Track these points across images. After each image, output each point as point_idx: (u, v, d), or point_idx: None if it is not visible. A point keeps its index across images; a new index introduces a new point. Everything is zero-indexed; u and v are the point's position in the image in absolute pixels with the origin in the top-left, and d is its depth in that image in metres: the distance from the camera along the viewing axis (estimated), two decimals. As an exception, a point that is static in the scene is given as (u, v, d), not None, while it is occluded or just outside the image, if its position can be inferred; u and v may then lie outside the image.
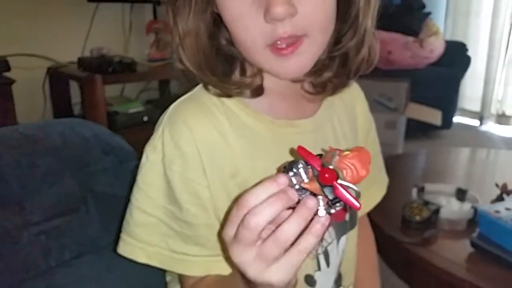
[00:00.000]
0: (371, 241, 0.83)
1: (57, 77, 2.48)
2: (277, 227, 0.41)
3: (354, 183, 0.42)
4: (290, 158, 0.61)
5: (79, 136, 0.72)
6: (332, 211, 0.42)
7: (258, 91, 0.58)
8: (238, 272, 0.45)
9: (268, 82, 0.59)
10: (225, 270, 0.57)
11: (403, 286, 1.12)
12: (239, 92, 0.57)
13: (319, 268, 0.64)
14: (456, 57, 3.52)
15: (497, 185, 1.27)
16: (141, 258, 0.59)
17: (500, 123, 3.89)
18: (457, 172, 1.76)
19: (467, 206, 1.23)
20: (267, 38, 0.51)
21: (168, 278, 0.70)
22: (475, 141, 3.47)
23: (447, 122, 3.41)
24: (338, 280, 0.68)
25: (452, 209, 1.23)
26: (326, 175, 0.41)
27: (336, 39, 0.59)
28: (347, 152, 0.43)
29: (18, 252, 0.61)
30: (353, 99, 0.72)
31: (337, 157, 0.42)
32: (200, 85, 0.60)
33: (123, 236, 0.60)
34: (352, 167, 0.42)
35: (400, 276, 1.13)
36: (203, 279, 0.59)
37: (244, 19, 0.51)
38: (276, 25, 0.49)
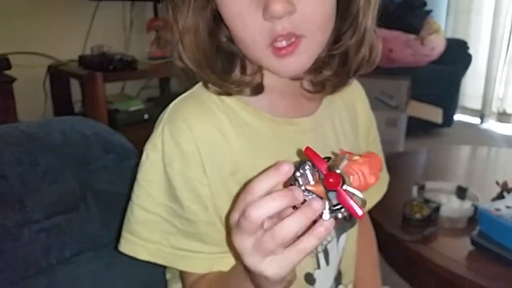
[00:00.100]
0: (371, 239, 0.83)
1: (57, 75, 2.48)
2: (276, 224, 0.41)
3: (361, 190, 0.41)
4: (290, 157, 0.61)
5: (80, 134, 0.72)
6: (336, 216, 0.41)
7: (258, 89, 0.58)
8: (239, 258, 0.45)
9: (268, 80, 0.59)
10: (228, 266, 0.57)
11: (404, 284, 1.12)
12: (238, 90, 0.57)
13: (318, 267, 0.64)
14: (457, 55, 3.51)
15: (497, 183, 1.27)
16: (143, 256, 0.59)
17: (501, 121, 3.88)
18: (458, 170, 1.76)
19: (467, 204, 1.23)
20: (266, 36, 0.51)
21: (168, 275, 0.70)
22: (476, 139, 3.47)
23: (448, 120, 3.41)
24: (338, 278, 0.68)
25: (452, 207, 1.23)
26: (331, 180, 0.40)
27: (336, 38, 0.59)
28: (357, 157, 0.42)
29: (18, 249, 0.61)
30: (353, 97, 0.72)
31: (346, 162, 0.41)
32: (200, 83, 0.60)
33: (124, 233, 0.61)
34: (360, 173, 0.41)
35: (401, 274, 1.13)
36: (204, 276, 0.60)
37: (243, 17, 0.51)
38: (275, 22, 0.49)
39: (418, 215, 1.14)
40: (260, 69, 0.58)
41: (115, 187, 0.72)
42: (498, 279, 0.95)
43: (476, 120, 3.97)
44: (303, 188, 0.41)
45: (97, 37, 2.59)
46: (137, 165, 0.60)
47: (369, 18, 0.57)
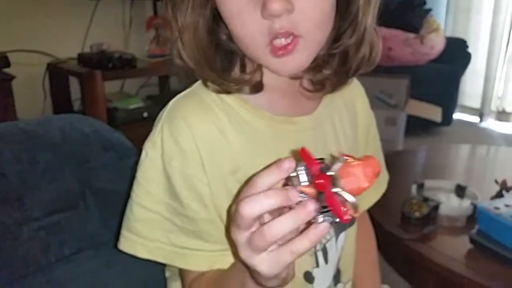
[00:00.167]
0: (371, 237, 0.83)
1: (57, 73, 2.47)
2: (267, 222, 0.41)
3: (353, 194, 0.40)
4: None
5: (79, 132, 0.72)
6: (332, 220, 0.40)
7: (257, 87, 0.58)
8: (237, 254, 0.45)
9: (268, 78, 0.59)
10: (228, 264, 0.57)
11: (403, 282, 1.12)
12: (238, 89, 0.57)
13: (317, 265, 0.64)
14: (457, 53, 3.51)
15: (496, 182, 1.27)
16: (142, 254, 0.59)
17: (500, 120, 3.88)
18: (457, 169, 1.76)
19: (466, 203, 1.23)
20: (265, 35, 0.51)
21: (167, 273, 0.70)
22: (475, 137, 3.47)
23: (447, 118, 3.41)
24: (337, 276, 0.68)
25: (451, 205, 1.23)
26: (320, 181, 0.39)
27: (336, 37, 0.59)
28: (352, 160, 0.41)
29: (17, 247, 0.61)
30: (353, 96, 0.72)
31: (340, 164, 0.40)
32: (199, 81, 0.60)
33: (124, 232, 0.61)
34: (354, 176, 0.40)
35: (400, 272, 1.13)
36: (203, 274, 0.60)
37: (242, 16, 0.51)
38: (273, 21, 0.49)
39: (417, 214, 1.14)
40: (259, 67, 0.58)
41: (114, 185, 0.72)
42: (497, 278, 0.96)
43: (475, 119, 3.97)
44: (298, 188, 0.40)
45: (96, 35, 2.58)
46: (136, 163, 0.60)
47: (369, 17, 0.57)
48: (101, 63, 2.25)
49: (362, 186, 0.40)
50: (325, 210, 0.40)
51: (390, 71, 2.90)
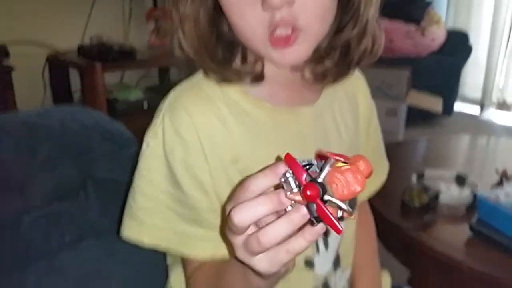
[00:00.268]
0: (371, 227, 0.83)
1: (56, 65, 2.47)
2: (263, 227, 0.40)
3: (344, 199, 0.38)
4: (290, 146, 0.61)
5: (79, 123, 0.72)
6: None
7: (258, 79, 0.58)
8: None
9: (269, 69, 0.58)
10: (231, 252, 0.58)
11: (403, 270, 1.12)
12: (239, 79, 0.57)
13: (318, 251, 0.64)
14: (458, 46, 3.50)
15: (497, 172, 1.28)
16: (145, 242, 0.59)
17: (501, 111, 3.87)
18: (457, 159, 1.76)
19: (466, 192, 1.23)
20: (265, 27, 0.51)
21: (169, 261, 0.70)
22: (475, 129, 3.47)
23: (448, 109, 3.41)
24: (337, 261, 0.68)
25: (451, 194, 1.23)
26: (309, 192, 0.36)
27: (338, 28, 0.58)
28: (341, 164, 0.39)
29: (19, 236, 0.62)
30: (355, 87, 0.72)
31: (328, 169, 0.38)
32: (200, 72, 0.60)
33: (126, 220, 0.61)
34: (344, 181, 0.37)
35: (400, 260, 1.14)
36: (206, 263, 0.60)
37: (242, 7, 0.51)
38: (273, 13, 0.49)
39: (417, 203, 1.15)
40: (260, 58, 0.58)
41: (114, 175, 0.72)
42: (496, 266, 0.96)
43: (476, 110, 3.97)
44: (288, 193, 0.39)
45: (96, 27, 2.57)
46: (137, 153, 0.60)
47: (371, 9, 0.57)
48: (101, 54, 2.25)
49: (354, 190, 0.38)
50: (317, 220, 0.38)
51: (391, 63, 2.90)
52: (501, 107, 3.88)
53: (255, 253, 0.41)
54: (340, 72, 0.61)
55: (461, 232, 1.07)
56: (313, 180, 0.37)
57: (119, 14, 2.75)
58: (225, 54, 0.58)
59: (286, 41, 0.51)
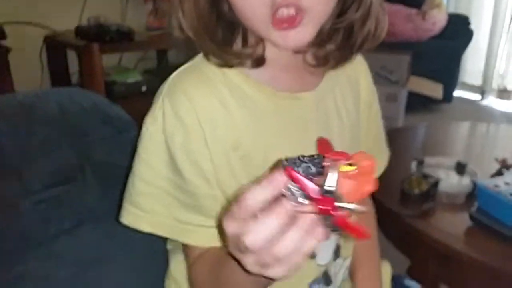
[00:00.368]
0: (371, 218, 0.83)
1: (54, 46, 2.44)
2: (275, 242, 0.38)
3: (357, 200, 0.37)
4: (292, 131, 0.60)
5: (78, 105, 0.72)
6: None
7: (259, 62, 0.57)
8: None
9: (270, 53, 0.57)
10: None
11: (402, 258, 1.13)
12: (239, 62, 0.56)
13: (319, 242, 0.64)
14: (459, 30, 3.47)
15: (496, 160, 1.27)
16: (145, 228, 0.59)
17: (501, 98, 3.87)
18: (457, 146, 1.76)
19: (466, 180, 1.23)
20: (267, 7, 0.50)
21: (169, 246, 0.70)
22: (475, 115, 3.46)
23: (448, 96, 3.40)
24: (337, 251, 0.68)
25: (451, 182, 1.23)
26: (323, 206, 0.36)
27: (341, 11, 0.57)
28: (347, 168, 0.38)
29: (18, 220, 0.61)
30: (357, 72, 0.71)
31: (336, 174, 0.37)
32: (201, 55, 0.58)
33: (126, 205, 0.60)
34: (355, 186, 0.37)
35: (399, 248, 1.14)
36: (208, 251, 0.59)
37: None
38: None
39: (416, 190, 1.14)
40: (262, 41, 0.57)
41: (113, 158, 0.72)
42: (495, 255, 0.96)
43: (476, 97, 3.96)
44: (294, 203, 0.37)
45: (93, 8, 2.54)
46: (135, 137, 0.59)
47: None
48: (99, 36, 2.23)
49: (367, 190, 0.37)
50: (334, 229, 0.37)
51: (391, 47, 2.87)
52: (501, 95, 3.86)
53: (270, 266, 0.40)
54: (343, 55, 0.60)
55: (460, 221, 1.07)
56: (324, 191, 0.36)
57: (117, -5, 2.72)
58: (226, 35, 0.57)
59: (290, 22, 0.50)
